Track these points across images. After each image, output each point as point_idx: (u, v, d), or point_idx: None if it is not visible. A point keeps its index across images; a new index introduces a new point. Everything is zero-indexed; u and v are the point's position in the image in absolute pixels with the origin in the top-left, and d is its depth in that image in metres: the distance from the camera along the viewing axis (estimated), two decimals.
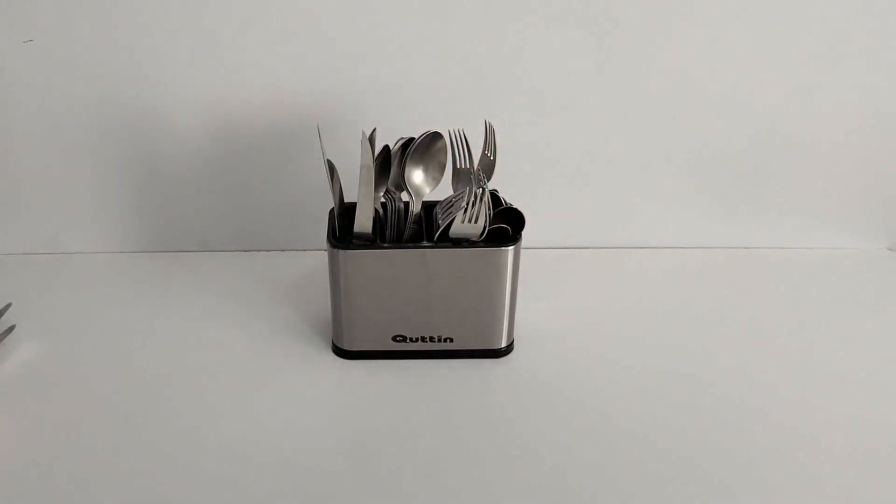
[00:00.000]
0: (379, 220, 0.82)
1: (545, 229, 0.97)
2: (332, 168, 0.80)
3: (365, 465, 0.74)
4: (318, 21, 0.92)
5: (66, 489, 0.71)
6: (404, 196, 0.83)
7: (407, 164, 0.82)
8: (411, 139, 0.82)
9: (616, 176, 1.02)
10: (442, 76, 0.95)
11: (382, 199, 0.83)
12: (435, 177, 0.83)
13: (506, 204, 0.82)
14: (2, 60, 0.93)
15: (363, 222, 0.80)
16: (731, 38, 0.93)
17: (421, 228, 0.83)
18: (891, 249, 1.07)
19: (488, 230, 0.79)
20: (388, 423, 0.78)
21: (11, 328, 0.88)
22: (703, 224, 1.05)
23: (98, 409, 0.80)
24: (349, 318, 0.83)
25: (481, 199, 0.76)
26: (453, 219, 0.78)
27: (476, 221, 0.78)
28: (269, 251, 1.06)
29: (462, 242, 0.79)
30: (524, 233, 0.81)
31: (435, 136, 0.81)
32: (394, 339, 0.84)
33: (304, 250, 1.05)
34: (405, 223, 0.83)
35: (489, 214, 0.78)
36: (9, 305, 0.89)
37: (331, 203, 0.82)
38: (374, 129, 0.82)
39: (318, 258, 0.94)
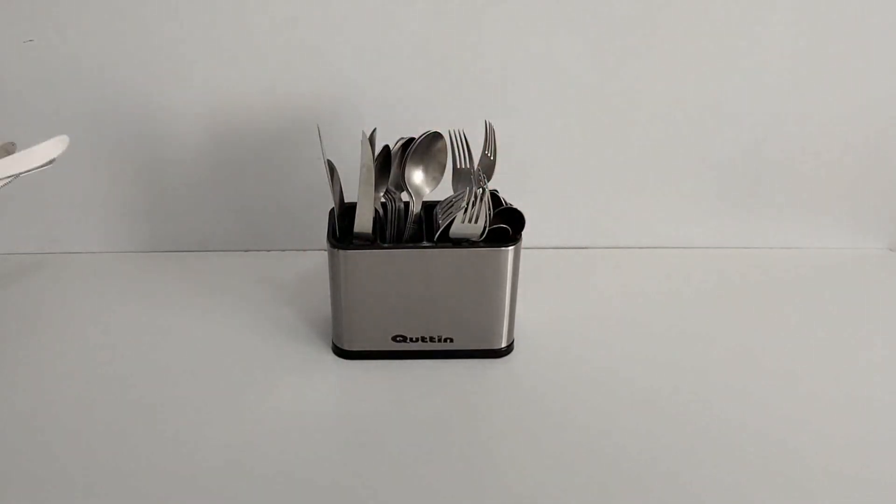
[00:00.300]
0: (379, 220, 0.82)
1: (545, 229, 0.97)
2: (332, 168, 0.80)
3: (365, 465, 0.74)
4: (318, 21, 0.92)
5: (65, 489, 0.71)
6: (404, 196, 0.83)
7: (407, 164, 0.82)
8: (411, 139, 0.82)
9: (616, 176, 1.02)
10: (442, 76, 0.95)
11: (382, 199, 0.83)
12: (435, 177, 0.83)
13: (506, 204, 0.82)
14: (2, 60, 0.93)
15: (363, 222, 0.80)
16: (732, 38, 0.93)
17: (421, 228, 0.83)
18: (891, 249, 1.07)
19: (488, 230, 0.79)
20: (387, 423, 0.78)
21: (52, 161, 0.81)
22: (703, 224, 1.05)
23: (97, 408, 0.80)
24: (349, 318, 0.83)
25: (481, 199, 0.76)
26: (453, 219, 0.78)
27: (476, 221, 0.78)
28: (269, 251, 1.06)
29: (462, 242, 0.79)
30: (524, 233, 0.81)
31: (435, 136, 0.81)
32: (394, 339, 0.84)
33: (304, 250, 1.05)
34: (405, 223, 0.83)
35: (489, 214, 0.78)
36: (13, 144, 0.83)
37: (331, 203, 0.82)
38: (374, 129, 0.82)
39: (318, 258, 0.94)
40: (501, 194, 0.83)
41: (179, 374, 0.84)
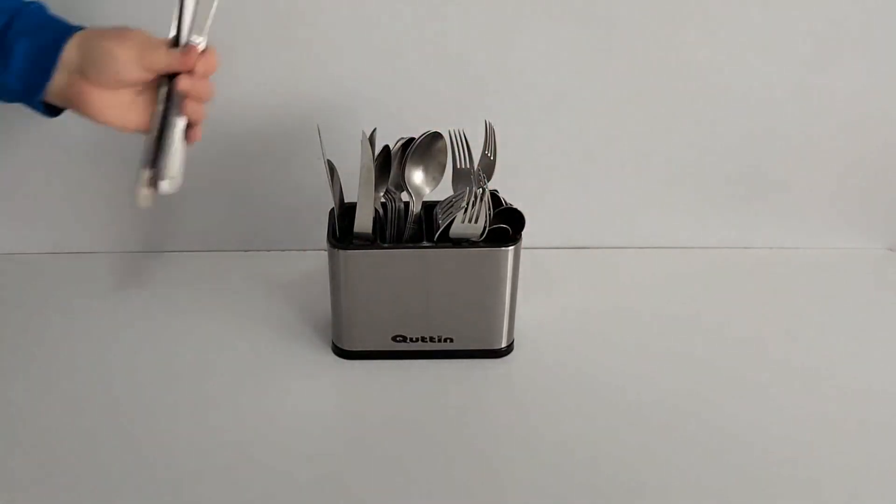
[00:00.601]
0: (379, 220, 0.82)
1: (545, 229, 0.97)
2: (332, 168, 0.80)
3: (365, 465, 0.74)
4: (318, 21, 0.92)
5: (65, 489, 0.71)
6: (404, 196, 0.83)
7: (407, 164, 0.82)
8: (411, 139, 0.82)
9: (616, 176, 1.02)
10: (442, 76, 0.95)
11: (382, 199, 0.83)
12: (435, 177, 0.83)
13: (506, 204, 0.82)
14: None
15: (363, 222, 0.80)
16: (731, 37, 0.93)
17: (421, 228, 0.83)
18: (891, 249, 1.07)
19: (488, 230, 0.79)
20: (387, 423, 0.78)
21: None
22: (703, 224, 1.05)
23: (97, 408, 0.80)
24: (349, 318, 0.83)
25: (481, 199, 0.76)
26: (453, 219, 0.78)
27: (476, 221, 0.78)
28: (269, 251, 1.06)
29: (462, 242, 0.79)
30: (524, 233, 0.81)
31: (435, 136, 0.81)
32: (394, 339, 0.84)
33: (304, 250, 1.05)
34: (405, 223, 0.83)
35: (489, 214, 0.78)
36: None
37: (331, 203, 0.82)
38: (374, 129, 0.82)
39: (318, 258, 0.93)
40: (501, 194, 0.83)
41: (179, 374, 0.84)
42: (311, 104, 0.96)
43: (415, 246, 0.80)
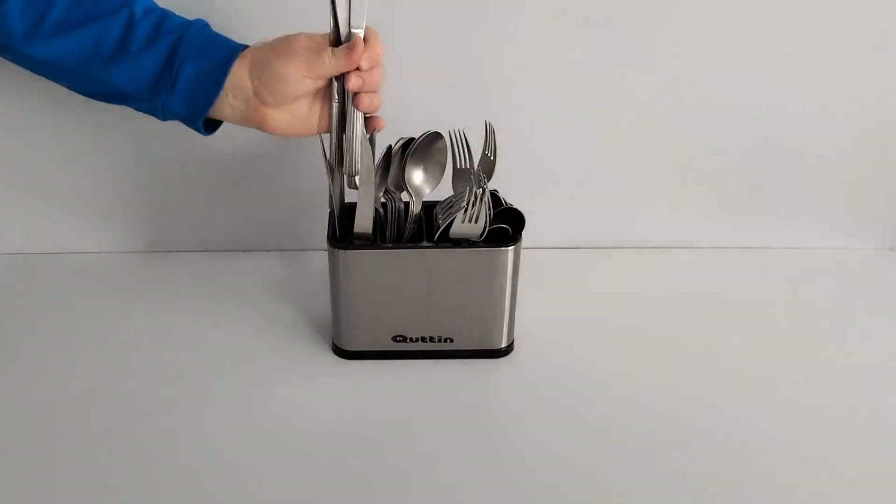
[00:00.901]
0: (379, 220, 0.82)
1: (545, 229, 0.97)
2: (332, 168, 0.80)
3: (364, 465, 0.74)
4: (319, 21, 0.92)
5: (65, 489, 0.71)
6: (404, 196, 0.83)
7: (407, 164, 0.82)
8: (411, 139, 0.82)
9: (616, 176, 1.02)
10: (442, 76, 0.95)
11: (382, 200, 0.83)
12: (435, 177, 0.83)
13: (506, 204, 0.82)
14: (3, 60, 0.93)
15: (363, 222, 0.80)
16: (731, 38, 0.93)
17: (421, 228, 0.83)
18: (891, 249, 1.07)
19: (488, 230, 0.79)
20: (388, 423, 0.78)
21: None
22: (703, 224, 1.05)
23: (97, 408, 0.80)
24: (349, 318, 0.83)
25: (481, 200, 0.76)
26: (453, 219, 0.78)
27: (476, 221, 0.78)
28: (269, 251, 1.06)
29: (462, 242, 0.79)
30: (524, 233, 0.81)
31: (435, 136, 0.81)
32: (394, 339, 0.84)
33: (304, 250, 1.05)
34: (405, 223, 0.83)
35: (489, 214, 0.78)
36: None
37: (331, 203, 0.82)
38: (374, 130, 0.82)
39: (318, 258, 0.94)
40: (501, 194, 0.83)
41: (179, 374, 0.84)
42: None
43: (415, 246, 0.80)
